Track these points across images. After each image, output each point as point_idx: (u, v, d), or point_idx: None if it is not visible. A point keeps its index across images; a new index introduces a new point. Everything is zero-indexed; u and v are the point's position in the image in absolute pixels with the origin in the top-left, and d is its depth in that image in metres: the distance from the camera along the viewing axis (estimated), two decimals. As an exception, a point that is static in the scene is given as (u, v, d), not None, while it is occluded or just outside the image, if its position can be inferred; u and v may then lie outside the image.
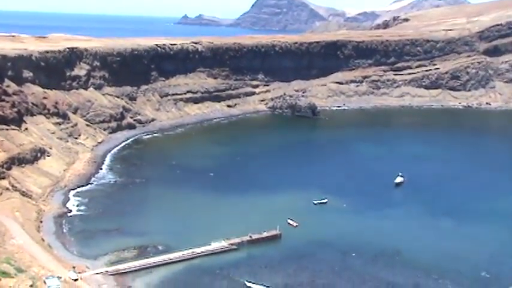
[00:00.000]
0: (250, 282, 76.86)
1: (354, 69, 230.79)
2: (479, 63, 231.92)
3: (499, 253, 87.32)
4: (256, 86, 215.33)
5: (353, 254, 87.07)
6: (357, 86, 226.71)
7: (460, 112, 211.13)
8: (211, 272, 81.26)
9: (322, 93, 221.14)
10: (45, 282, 67.95)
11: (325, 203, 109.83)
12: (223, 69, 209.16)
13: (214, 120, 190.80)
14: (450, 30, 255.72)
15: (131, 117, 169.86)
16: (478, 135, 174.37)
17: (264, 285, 75.84)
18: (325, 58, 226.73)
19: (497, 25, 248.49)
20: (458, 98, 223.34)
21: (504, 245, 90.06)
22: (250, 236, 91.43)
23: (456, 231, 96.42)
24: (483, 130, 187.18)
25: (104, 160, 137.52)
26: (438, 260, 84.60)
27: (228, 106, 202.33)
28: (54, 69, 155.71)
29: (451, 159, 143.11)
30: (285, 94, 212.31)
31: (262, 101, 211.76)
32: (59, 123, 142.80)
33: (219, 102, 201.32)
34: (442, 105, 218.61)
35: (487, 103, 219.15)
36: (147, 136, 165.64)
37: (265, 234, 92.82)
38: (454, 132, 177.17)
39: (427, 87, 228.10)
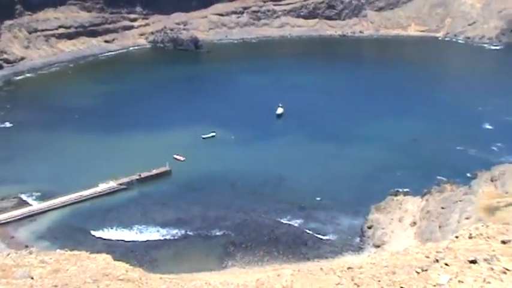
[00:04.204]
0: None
1: (234, 0, 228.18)
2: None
3: (375, 171, 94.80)
4: (135, 20, 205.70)
5: (241, 184, 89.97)
6: (238, 17, 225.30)
7: (336, 41, 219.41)
8: (100, 214, 79.90)
9: (204, 25, 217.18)
10: None
11: (213, 136, 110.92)
12: (97, 2, 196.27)
13: (92, 56, 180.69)
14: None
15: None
16: (353, 63, 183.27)
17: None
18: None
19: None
20: (334, 27, 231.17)
21: (379, 163, 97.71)
22: (140, 175, 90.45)
23: (336, 155, 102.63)
24: (357, 58, 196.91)
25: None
26: (320, 182, 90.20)
27: (106, 41, 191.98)
28: None
29: (328, 87, 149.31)
30: (165, 27, 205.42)
31: (142, 35, 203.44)
32: None
33: (96, 37, 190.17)
34: (319, 35, 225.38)
35: (360, 31, 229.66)
36: (19, 77, 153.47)
37: (154, 172, 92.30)
38: (331, 60, 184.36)
39: (305, 17, 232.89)
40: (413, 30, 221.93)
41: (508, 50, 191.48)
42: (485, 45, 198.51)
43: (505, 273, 17.30)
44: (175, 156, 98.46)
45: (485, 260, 18.39)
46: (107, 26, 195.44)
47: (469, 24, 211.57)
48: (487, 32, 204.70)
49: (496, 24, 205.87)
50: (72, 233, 74.32)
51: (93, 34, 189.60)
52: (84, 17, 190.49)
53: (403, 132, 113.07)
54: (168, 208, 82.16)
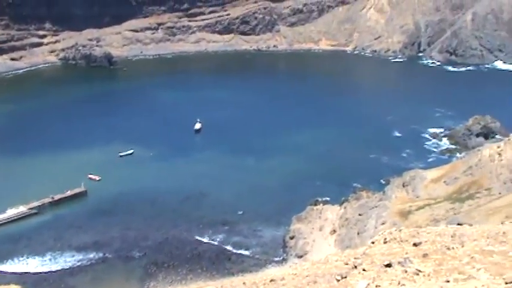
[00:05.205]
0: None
1: (148, 16, 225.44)
2: (264, 8, 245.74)
3: (295, 182, 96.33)
4: (44, 36, 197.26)
5: (161, 202, 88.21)
6: (153, 33, 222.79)
7: (251, 55, 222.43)
8: (9, 242, 75.06)
9: (118, 41, 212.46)
10: None
11: (131, 153, 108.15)
12: (2, 18, 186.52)
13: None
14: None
15: None
16: (269, 77, 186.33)
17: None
18: (118, 5, 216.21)
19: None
20: (249, 42, 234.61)
21: (298, 174, 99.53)
22: (52, 197, 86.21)
23: (255, 168, 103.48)
24: (273, 72, 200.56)
25: None
26: (241, 196, 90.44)
27: (12, 59, 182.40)
28: None
29: (245, 102, 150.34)
30: (77, 44, 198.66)
31: (52, 52, 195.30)
32: None
33: (1, 55, 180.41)
34: (235, 49, 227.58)
35: (274, 46, 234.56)
36: None
37: (69, 193, 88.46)
38: (247, 75, 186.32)
39: (220, 33, 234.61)
40: (324, 45, 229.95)
41: (410, 62, 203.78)
42: (390, 58, 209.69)
43: (417, 274, 18.02)
44: (90, 176, 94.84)
45: (399, 263, 19.07)
46: (13, 43, 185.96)
47: (375, 39, 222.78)
48: (391, 46, 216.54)
49: (398, 38, 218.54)
50: (-21, 264, 69.13)
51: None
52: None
53: (319, 143, 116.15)
54: (84, 231, 78.75)
